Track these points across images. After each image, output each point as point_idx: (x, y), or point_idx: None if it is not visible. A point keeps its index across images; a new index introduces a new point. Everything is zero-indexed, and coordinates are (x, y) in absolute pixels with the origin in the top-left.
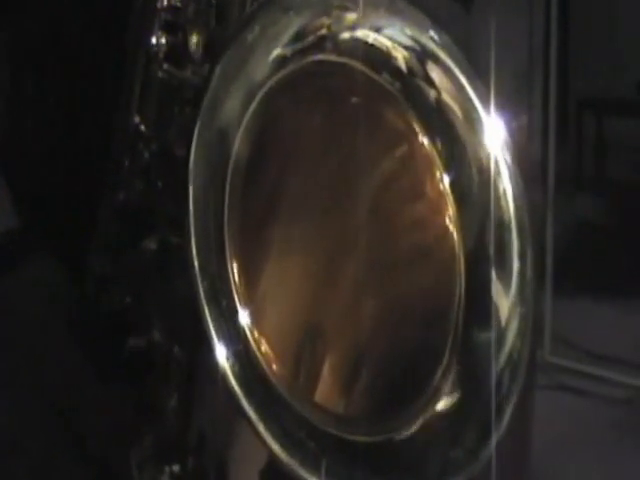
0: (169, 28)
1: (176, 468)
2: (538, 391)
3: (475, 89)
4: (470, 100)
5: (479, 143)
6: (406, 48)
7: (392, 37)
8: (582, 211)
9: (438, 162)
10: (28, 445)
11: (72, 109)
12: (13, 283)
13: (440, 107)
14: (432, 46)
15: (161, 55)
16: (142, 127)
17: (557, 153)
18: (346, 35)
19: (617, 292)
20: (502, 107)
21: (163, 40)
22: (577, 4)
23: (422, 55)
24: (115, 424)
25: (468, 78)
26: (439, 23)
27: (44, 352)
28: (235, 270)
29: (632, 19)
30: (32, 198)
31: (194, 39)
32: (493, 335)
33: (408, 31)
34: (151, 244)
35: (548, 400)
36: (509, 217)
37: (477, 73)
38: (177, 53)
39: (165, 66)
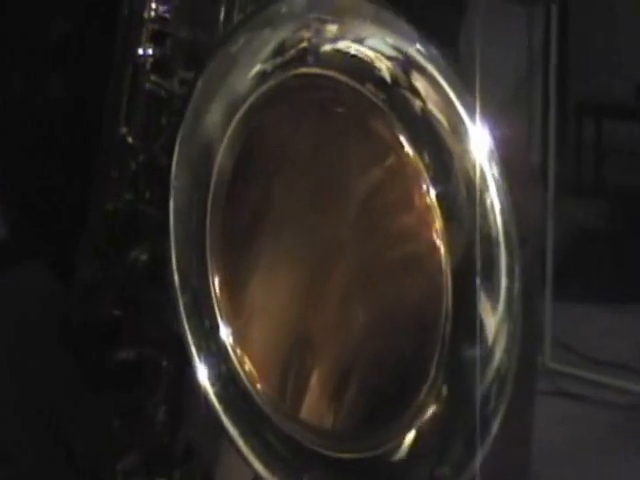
0: (156, 39)
1: None
2: (538, 397)
3: (461, 99)
4: (456, 110)
5: (466, 154)
6: (389, 58)
7: (375, 47)
8: (582, 216)
9: (425, 174)
10: (16, 455)
11: (60, 120)
12: (2, 293)
13: (426, 117)
14: (416, 56)
15: (148, 66)
16: (129, 138)
17: (556, 158)
18: (327, 47)
19: (617, 298)
20: (489, 117)
21: (150, 51)
22: (577, 7)
23: (406, 65)
24: (103, 436)
25: (453, 88)
26: (424, 32)
27: (33, 363)
28: (217, 285)
29: (632, 22)
30: (21, 208)
31: (181, 51)
32: (478, 351)
33: (390, 40)
34: (139, 255)
35: (548, 406)
36: (497, 232)
37: (464, 82)
38: (164, 64)
39: (152, 77)
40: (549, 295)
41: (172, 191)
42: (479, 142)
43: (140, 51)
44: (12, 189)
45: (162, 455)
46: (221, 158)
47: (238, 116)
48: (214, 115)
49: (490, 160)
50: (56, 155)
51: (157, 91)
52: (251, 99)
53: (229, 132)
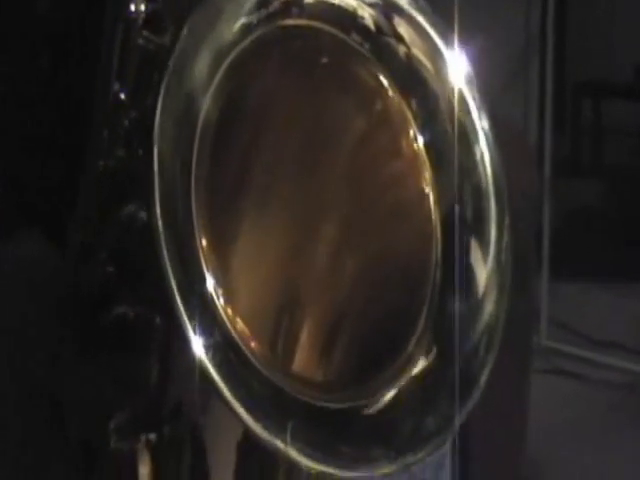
0: None
1: (152, 436)
2: (535, 375)
3: (443, 39)
4: (440, 53)
5: (452, 97)
6: (370, 5)
7: None
8: (579, 195)
9: (412, 121)
10: (6, 416)
11: (51, 77)
12: None
13: (411, 62)
14: (397, 0)
15: (140, 22)
16: (122, 95)
17: (554, 138)
18: None
19: (614, 276)
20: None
21: (142, 7)
22: None
23: (387, 9)
24: (95, 394)
25: (438, 32)
26: None
27: (25, 323)
28: (204, 241)
29: (630, 2)
30: (12, 167)
31: (173, 7)
32: (459, 299)
33: None
34: (132, 213)
35: (545, 384)
36: (486, 183)
37: (443, 22)
38: (156, 20)
39: (144, 33)
40: (545, 274)
41: (156, 139)
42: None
43: (132, 7)
44: (2, 154)
45: (152, 411)
46: (206, 109)
47: (224, 67)
48: (200, 65)
49: (479, 111)
50: (47, 118)
51: (149, 47)
52: (236, 51)
53: (215, 83)
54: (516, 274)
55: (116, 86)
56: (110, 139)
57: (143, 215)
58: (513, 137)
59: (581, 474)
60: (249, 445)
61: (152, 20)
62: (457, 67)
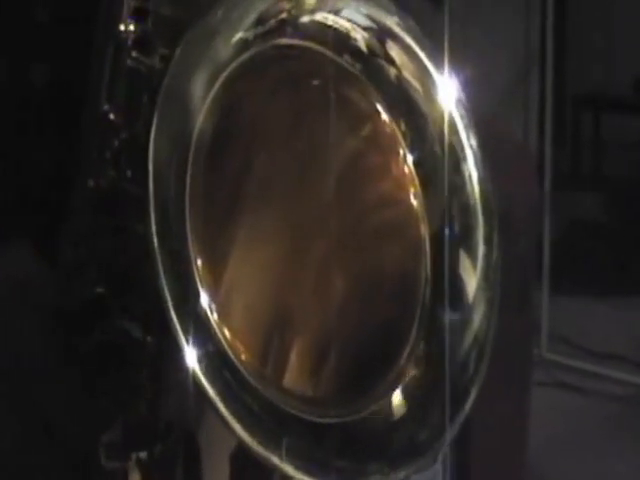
0: (137, 15)
1: (143, 455)
2: (535, 388)
3: (435, 65)
4: (430, 76)
5: (441, 118)
6: (365, 29)
7: (350, 18)
8: (579, 209)
9: (401, 141)
10: None
11: (42, 97)
12: None
13: (401, 84)
14: (391, 25)
15: (130, 43)
16: (111, 115)
17: (554, 151)
18: (306, 19)
19: (614, 289)
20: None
21: (132, 27)
22: (574, 1)
23: (381, 34)
24: (85, 411)
25: (427, 54)
26: (400, 3)
27: (16, 339)
28: (198, 257)
29: (629, 16)
30: (2, 185)
31: (162, 28)
32: (449, 313)
33: (364, 10)
34: (123, 232)
35: (545, 397)
36: (474, 201)
37: (435, 48)
38: (145, 41)
39: (134, 54)
40: (546, 287)
41: (151, 158)
42: (451, 100)
43: (122, 27)
44: None
45: (143, 430)
46: (200, 127)
47: (217, 85)
48: (194, 84)
49: (467, 130)
50: (39, 136)
51: (138, 68)
52: (231, 67)
53: (208, 101)
54: (516, 288)
55: (106, 107)
56: (100, 159)
57: (133, 234)
58: (515, 151)
59: None
60: (242, 460)
61: (141, 41)
62: (447, 89)
